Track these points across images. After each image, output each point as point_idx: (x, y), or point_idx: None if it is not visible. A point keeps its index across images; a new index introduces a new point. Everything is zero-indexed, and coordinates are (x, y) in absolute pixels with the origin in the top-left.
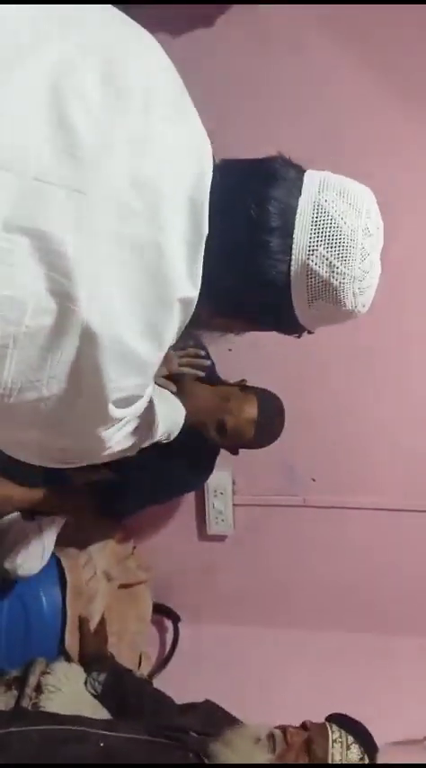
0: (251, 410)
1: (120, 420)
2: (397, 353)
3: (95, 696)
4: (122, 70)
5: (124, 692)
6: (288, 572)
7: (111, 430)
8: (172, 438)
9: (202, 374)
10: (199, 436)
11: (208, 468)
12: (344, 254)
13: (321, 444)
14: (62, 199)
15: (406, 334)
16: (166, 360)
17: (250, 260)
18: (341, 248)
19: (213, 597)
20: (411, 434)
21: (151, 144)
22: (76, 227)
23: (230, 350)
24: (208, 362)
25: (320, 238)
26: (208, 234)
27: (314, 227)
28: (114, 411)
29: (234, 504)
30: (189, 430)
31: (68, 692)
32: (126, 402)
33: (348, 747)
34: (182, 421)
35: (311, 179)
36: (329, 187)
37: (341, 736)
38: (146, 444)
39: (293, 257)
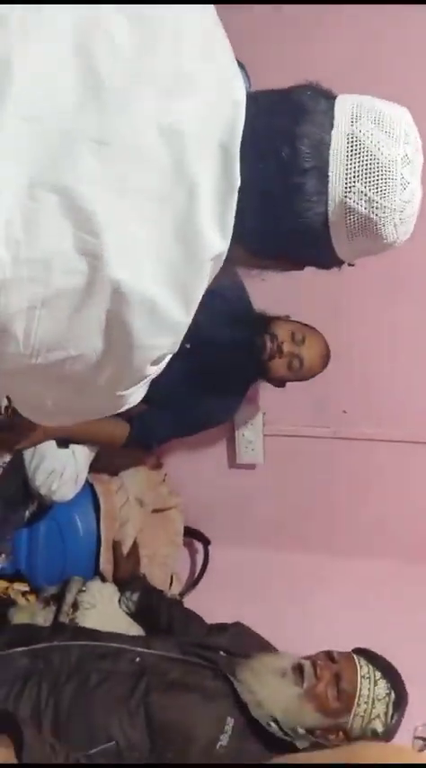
0: (323, 346)
1: (147, 377)
2: None
3: (129, 614)
4: (150, 11)
5: (156, 610)
6: (316, 501)
7: (134, 387)
8: None
9: None
10: (230, 370)
11: (236, 403)
12: (383, 188)
13: (353, 377)
14: (88, 153)
15: None
16: None
17: (285, 204)
18: (379, 182)
19: (242, 523)
20: None
21: (180, 87)
22: (103, 183)
23: (263, 279)
24: None
25: (357, 174)
26: (241, 178)
27: (349, 162)
28: (148, 369)
29: (264, 435)
30: (225, 362)
31: (102, 608)
32: (157, 360)
33: (375, 683)
34: None
35: (343, 108)
36: (363, 115)
37: (369, 672)
38: None
39: (330, 197)
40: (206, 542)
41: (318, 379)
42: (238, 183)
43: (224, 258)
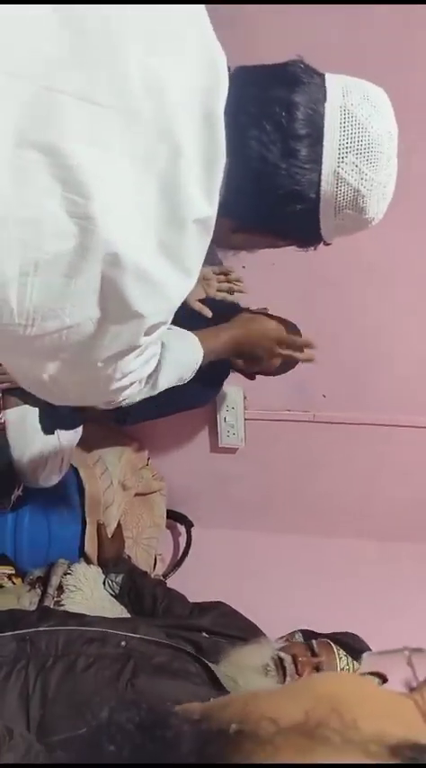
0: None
1: (139, 349)
2: (414, 269)
3: (113, 596)
4: None
5: (139, 591)
6: (297, 484)
7: (128, 358)
8: (186, 381)
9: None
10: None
11: (217, 386)
12: (372, 160)
13: (332, 361)
14: (74, 109)
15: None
16: (205, 282)
17: (279, 170)
18: (369, 154)
19: (224, 505)
20: (422, 352)
21: (165, 47)
22: (90, 141)
23: (244, 267)
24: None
25: (349, 145)
26: (231, 146)
27: (343, 133)
28: (141, 339)
29: (245, 419)
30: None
31: (88, 591)
32: (150, 330)
33: (354, 670)
34: (200, 360)
35: (332, 83)
36: (352, 91)
37: (348, 663)
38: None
39: (324, 165)
40: (189, 525)
41: (299, 363)
42: (223, 149)
43: (213, 227)
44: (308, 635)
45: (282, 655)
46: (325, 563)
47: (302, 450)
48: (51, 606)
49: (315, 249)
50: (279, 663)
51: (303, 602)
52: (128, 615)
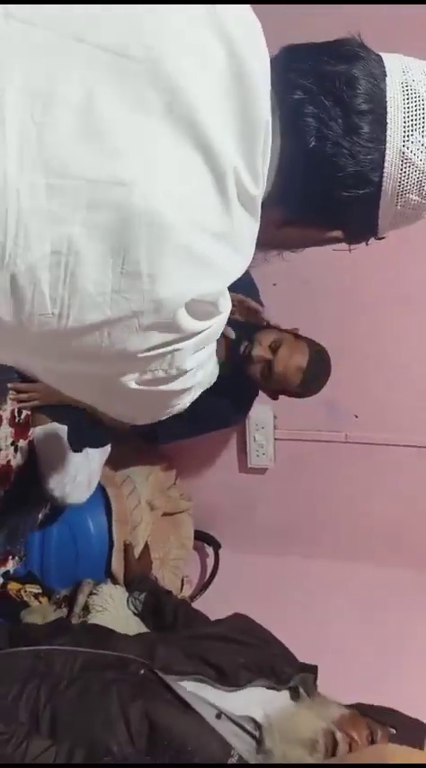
0: (301, 358)
1: (195, 335)
2: None
3: (136, 614)
4: None
5: (162, 609)
6: (327, 506)
7: (183, 350)
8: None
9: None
10: (242, 375)
11: (247, 406)
12: None
13: (365, 381)
14: (103, 65)
15: None
16: None
17: (341, 149)
18: None
19: (252, 527)
20: None
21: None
22: (124, 102)
23: (275, 284)
24: (258, 306)
25: (414, 122)
26: (284, 124)
27: (406, 111)
28: (187, 320)
29: (275, 438)
30: (234, 365)
31: (113, 611)
32: (200, 313)
33: None
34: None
35: (390, 60)
36: (412, 68)
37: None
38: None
39: (388, 144)
40: (216, 546)
41: (330, 383)
42: (262, 125)
43: (259, 209)
44: (366, 710)
45: (337, 733)
46: (356, 589)
47: (333, 472)
48: (71, 623)
49: (366, 244)
50: (331, 737)
51: (332, 629)
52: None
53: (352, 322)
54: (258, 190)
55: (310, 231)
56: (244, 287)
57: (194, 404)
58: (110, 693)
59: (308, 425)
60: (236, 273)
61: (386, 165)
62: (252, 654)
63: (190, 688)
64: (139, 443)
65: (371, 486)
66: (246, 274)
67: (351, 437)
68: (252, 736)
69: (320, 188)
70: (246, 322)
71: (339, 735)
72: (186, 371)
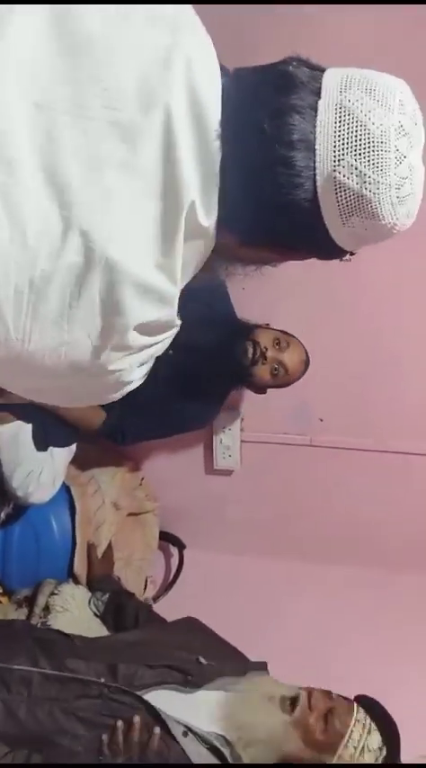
0: (301, 351)
1: (143, 349)
2: (416, 298)
3: (97, 615)
4: None
5: (123, 611)
6: (292, 508)
7: (131, 359)
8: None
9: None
10: (212, 376)
11: (215, 409)
12: (375, 160)
13: (330, 385)
14: (67, 124)
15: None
16: None
17: (270, 180)
18: (370, 153)
19: (218, 528)
20: (423, 380)
21: (155, 59)
22: (79, 158)
23: (243, 288)
24: None
25: (346, 145)
26: (228, 157)
27: (338, 134)
28: (136, 338)
29: (241, 441)
30: (207, 367)
31: (75, 612)
32: (149, 330)
33: (369, 732)
34: None
35: (332, 78)
36: (353, 85)
37: (364, 719)
38: None
39: (317, 171)
40: (181, 547)
41: (296, 386)
42: (218, 159)
43: (212, 238)
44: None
45: (299, 691)
46: (319, 590)
47: (298, 475)
48: (38, 626)
49: (342, 260)
50: (291, 697)
51: (295, 629)
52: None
53: (316, 325)
54: (210, 221)
55: (270, 253)
56: (215, 295)
57: (162, 408)
58: (70, 720)
59: (275, 428)
60: (177, 295)
61: (318, 191)
62: (208, 654)
63: (157, 697)
64: (106, 443)
65: (334, 489)
66: (220, 283)
67: (316, 441)
68: (219, 754)
69: (263, 217)
70: (231, 330)
71: (301, 692)
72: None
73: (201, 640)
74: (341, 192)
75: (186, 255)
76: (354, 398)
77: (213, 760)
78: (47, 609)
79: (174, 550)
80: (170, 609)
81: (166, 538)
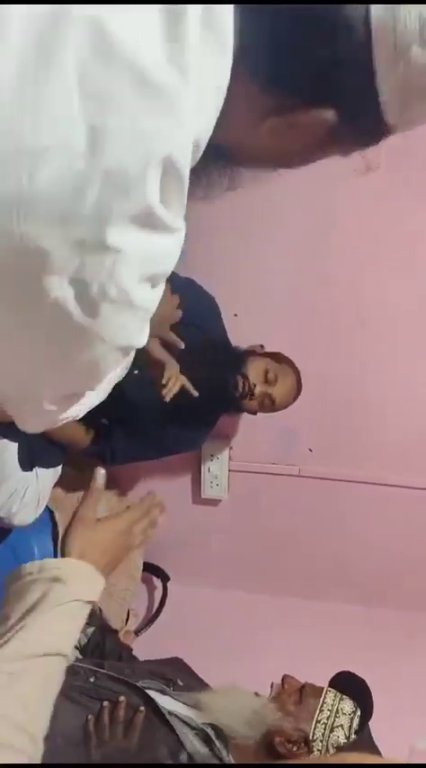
0: (291, 380)
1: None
2: (407, 329)
3: (77, 647)
4: None
5: (105, 650)
6: (280, 540)
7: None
8: None
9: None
10: (202, 401)
11: (204, 434)
12: None
13: (320, 416)
14: None
15: (418, 309)
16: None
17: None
18: None
19: (203, 559)
20: (412, 413)
21: None
22: None
23: (236, 315)
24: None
25: None
26: None
27: None
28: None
29: (229, 470)
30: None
31: None
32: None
33: (341, 699)
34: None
35: None
36: None
37: (335, 690)
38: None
39: None
40: (165, 579)
41: (286, 414)
42: None
43: (228, 66)
44: None
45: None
46: (303, 624)
47: (287, 504)
48: None
49: (377, 142)
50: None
51: (279, 663)
52: None
53: (307, 355)
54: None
55: (298, 116)
56: (207, 317)
57: (150, 429)
58: (59, 699)
59: (263, 458)
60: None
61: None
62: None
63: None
64: (93, 466)
65: (323, 521)
66: (210, 302)
67: (305, 471)
68: (207, 739)
69: (304, 51)
70: (222, 357)
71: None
72: (128, 295)
73: (184, 678)
74: (399, 10)
75: (201, 67)
76: (344, 431)
77: (201, 744)
78: None
79: (158, 582)
80: (153, 642)
81: (150, 569)
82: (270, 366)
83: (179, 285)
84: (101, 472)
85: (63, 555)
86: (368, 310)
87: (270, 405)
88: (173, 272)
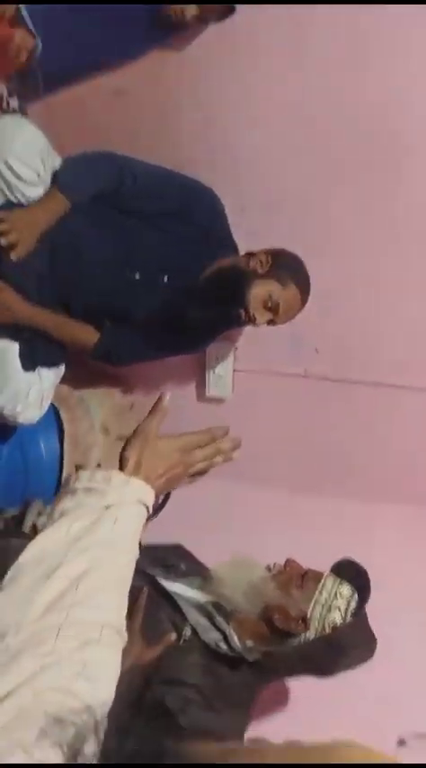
0: (295, 300)
1: None
2: (420, 230)
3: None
4: None
5: None
6: (282, 438)
7: None
8: None
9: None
10: (208, 310)
11: (210, 337)
12: None
13: (328, 316)
14: None
15: None
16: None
17: None
18: None
19: None
20: (418, 315)
21: None
22: None
23: (243, 210)
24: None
25: None
26: None
27: None
28: None
29: (234, 370)
30: (202, 310)
31: None
32: None
33: (341, 583)
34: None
35: None
36: None
37: (335, 576)
38: None
39: None
40: None
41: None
42: None
43: None
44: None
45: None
46: (307, 520)
47: (290, 405)
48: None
49: None
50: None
51: (282, 558)
52: None
53: (317, 255)
54: None
55: None
56: (213, 219)
57: (156, 330)
58: None
59: (269, 358)
60: None
61: None
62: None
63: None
64: (97, 364)
65: (327, 421)
66: (211, 200)
67: (310, 371)
68: (208, 614)
69: None
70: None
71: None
72: None
73: (186, 564)
74: None
75: None
76: (352, 330)
77: (203, 617)
78: (34, 529)
79: None
80: (156, 531)
81: None
82: (273, 290)
83: (177, 189)
84: (167, 396)
85: (121, 467)
86: (379, 213)
87: (272, 324)
88: (174, 174)
